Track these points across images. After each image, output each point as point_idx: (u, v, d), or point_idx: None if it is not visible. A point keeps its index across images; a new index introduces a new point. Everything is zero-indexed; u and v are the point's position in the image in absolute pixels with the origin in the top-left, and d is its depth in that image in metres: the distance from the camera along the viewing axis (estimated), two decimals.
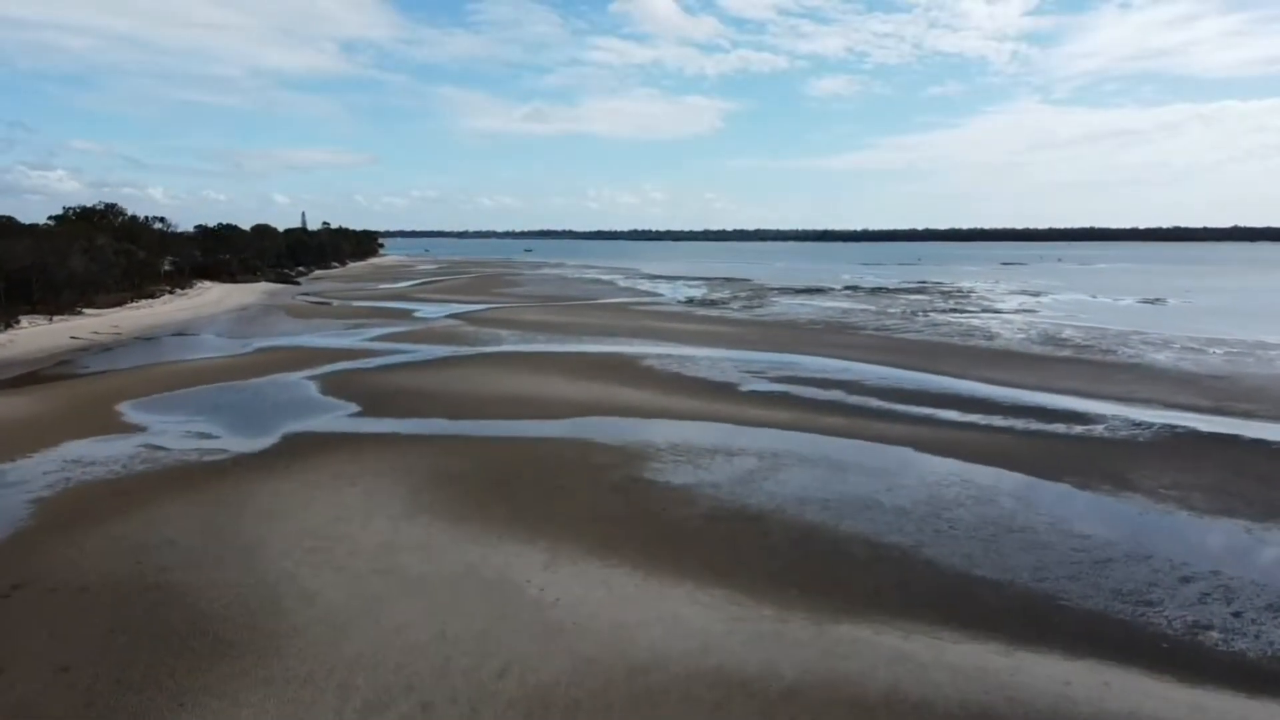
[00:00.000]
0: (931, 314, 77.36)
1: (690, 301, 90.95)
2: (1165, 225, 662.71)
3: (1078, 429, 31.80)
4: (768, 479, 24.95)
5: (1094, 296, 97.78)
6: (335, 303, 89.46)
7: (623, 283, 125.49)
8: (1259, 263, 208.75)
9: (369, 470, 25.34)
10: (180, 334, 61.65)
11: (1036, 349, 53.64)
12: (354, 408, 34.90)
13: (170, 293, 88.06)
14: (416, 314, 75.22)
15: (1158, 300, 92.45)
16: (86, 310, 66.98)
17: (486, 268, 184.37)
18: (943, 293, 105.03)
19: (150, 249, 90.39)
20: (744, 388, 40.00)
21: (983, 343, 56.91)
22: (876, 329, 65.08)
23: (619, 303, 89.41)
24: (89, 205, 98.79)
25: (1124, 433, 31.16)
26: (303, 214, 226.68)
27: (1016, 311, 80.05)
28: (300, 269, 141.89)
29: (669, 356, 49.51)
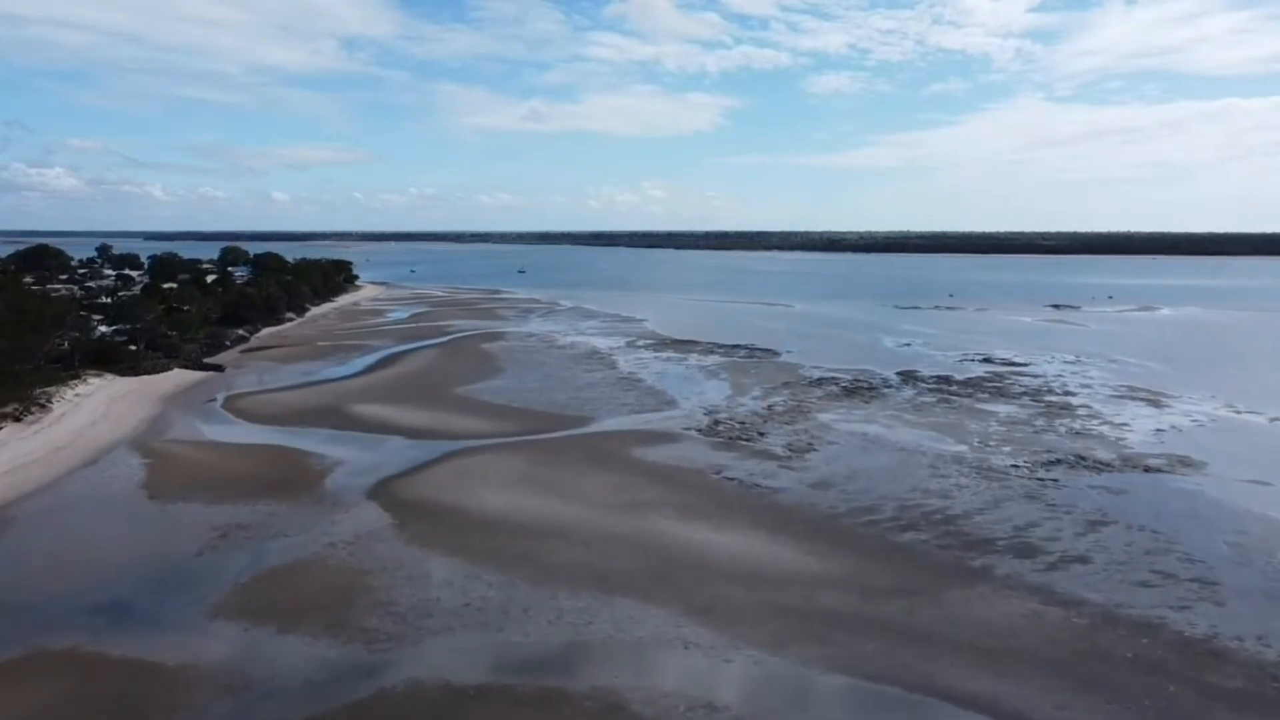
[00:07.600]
0: (1058, 471, 55.05)
1: (714, 425, 68.53)
2: (1179, 230, 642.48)
3: None
4: None
5: (1238, 412, 75.24)
6: (231, 437, 67.25)
7: (624, 363, 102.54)
8: None
9: None
10: None
11: None
12: None
13: (15, 420, 65.43)
14: (327, 488, 52.63)
15: None
16: None
17: (467, 315, 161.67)
18: (1032, 394, 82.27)
19: None
20: None
21: (1242, 658, 34.60)
22: (1018, 552, 42.63)
23: (621, 432, 66.97)
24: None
25: None
26: (252, 256, 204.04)
27: (1172, 464, 57.81)
28: (240, 333, 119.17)
29: None
